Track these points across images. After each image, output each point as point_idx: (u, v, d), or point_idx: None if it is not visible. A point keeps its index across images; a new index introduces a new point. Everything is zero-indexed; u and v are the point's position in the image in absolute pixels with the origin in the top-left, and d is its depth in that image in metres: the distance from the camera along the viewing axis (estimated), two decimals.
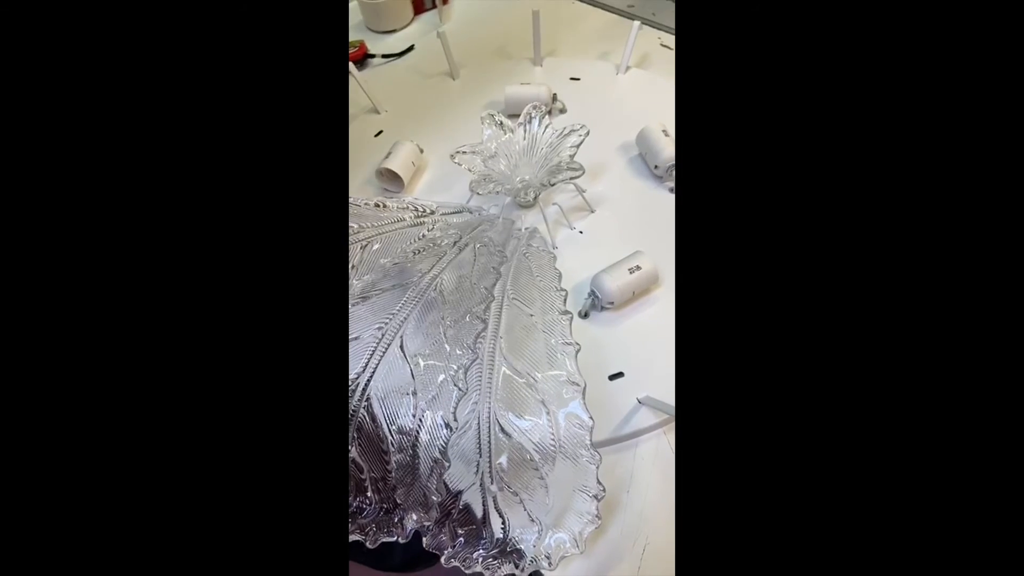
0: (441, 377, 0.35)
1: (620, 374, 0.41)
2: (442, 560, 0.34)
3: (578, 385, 0.34)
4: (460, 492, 0.34)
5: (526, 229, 0.48)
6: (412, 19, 0.75)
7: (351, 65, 0.59)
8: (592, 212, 0.51)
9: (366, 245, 0.43)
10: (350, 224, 0.43)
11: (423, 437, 0.34)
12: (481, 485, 0.34)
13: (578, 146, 0.48)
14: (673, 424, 0.39)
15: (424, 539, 0.35)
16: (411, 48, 0.71)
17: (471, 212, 0.50)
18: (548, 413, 0.34)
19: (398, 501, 0.35)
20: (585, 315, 0.44)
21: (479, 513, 0.34)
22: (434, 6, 0.75)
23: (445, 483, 0.34)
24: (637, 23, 0.61)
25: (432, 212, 0.49)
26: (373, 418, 0.34)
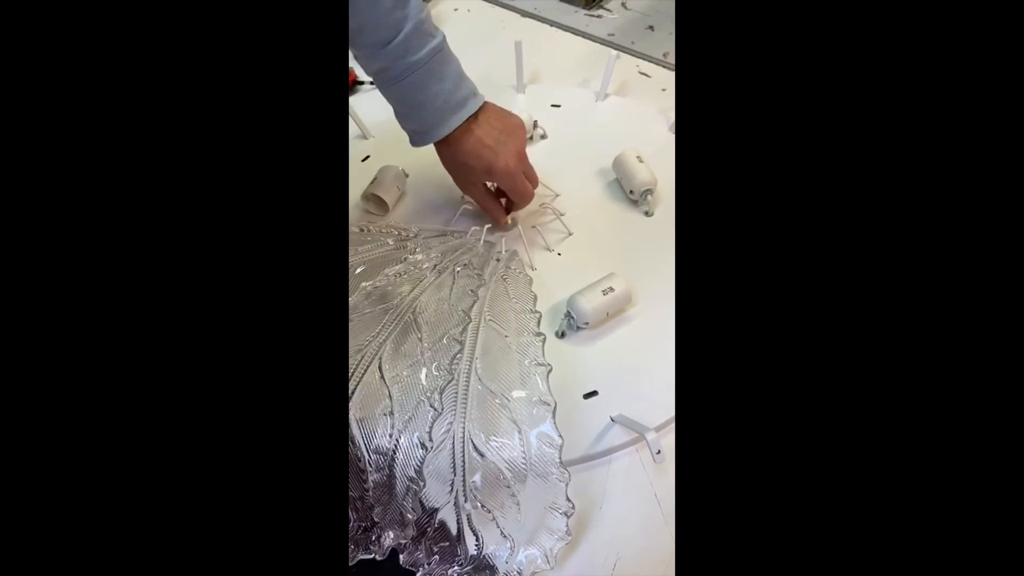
0: (417, 398, 0.36)
1: (594, 392, 0.43)
2: None
3: (549, 405, 0.36)
4: (436, 510, 0.35)
5: (505, 252, 0.50)
6: None
7: None
8: (570, 235, 0.53)
9: (349, 269, 0.45)
10: None
11: (399, 457, 0.35)
12: (456, 503, 0.35)
13: None
14: (644, 442, 0.41)
15: (401, 556, 0.36)
16: None
17: (453, 235, 0.51)
18: (520, 432, 0.35)
19: (375, 519, 0.36)
20: (562, 335, 0.46)
21: (454, 530, 0.35)
22: None
23: (421, 501, 0.35)
24: (615, 53, 0.63)
25: (414, 236, 0.51)
26: (351, 439, 0.36)
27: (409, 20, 0.41)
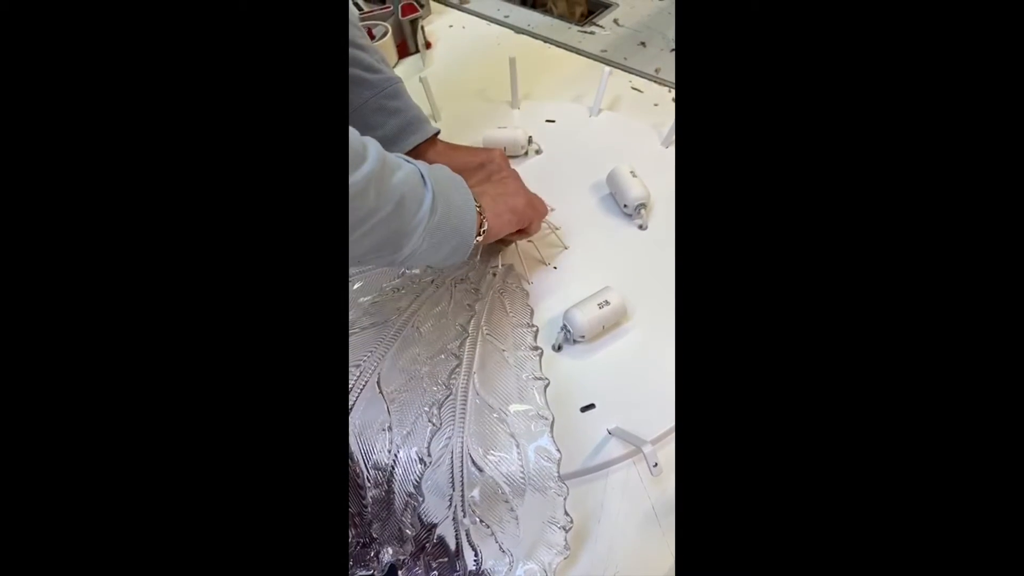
0: (416, 413, 0.37)
1: (591, 406, 0.43)
2: None
3: (547, 419, 0.36)
4: (434, 525, 0.35)
5: (501, 266, 0.50)
6: (397, 62, 0.79)
7: None
8: (566, 248, 0.53)
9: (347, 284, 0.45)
10: None
11: (398, 472, 0.35)
12: (454, 518, 0.35)
13: None
14: (641, 455, 0.41)
15: (400, 572, 0.36)
16: None
17: None
18: (518, 447, 0.36)
19: (374, 535, 0.36)
20: (558, 348, 0.46)
21: (452, 546, 0.35)
22: (418, 51, 0.79)
23: (419, 517, 0.35)
24: (608, 69, 0.65)
25: None
26: (350, 454, 0.36)
27: (376, 50, 0.50)
